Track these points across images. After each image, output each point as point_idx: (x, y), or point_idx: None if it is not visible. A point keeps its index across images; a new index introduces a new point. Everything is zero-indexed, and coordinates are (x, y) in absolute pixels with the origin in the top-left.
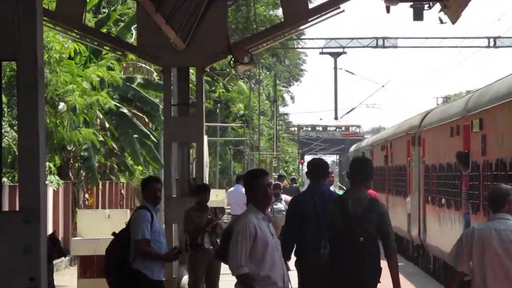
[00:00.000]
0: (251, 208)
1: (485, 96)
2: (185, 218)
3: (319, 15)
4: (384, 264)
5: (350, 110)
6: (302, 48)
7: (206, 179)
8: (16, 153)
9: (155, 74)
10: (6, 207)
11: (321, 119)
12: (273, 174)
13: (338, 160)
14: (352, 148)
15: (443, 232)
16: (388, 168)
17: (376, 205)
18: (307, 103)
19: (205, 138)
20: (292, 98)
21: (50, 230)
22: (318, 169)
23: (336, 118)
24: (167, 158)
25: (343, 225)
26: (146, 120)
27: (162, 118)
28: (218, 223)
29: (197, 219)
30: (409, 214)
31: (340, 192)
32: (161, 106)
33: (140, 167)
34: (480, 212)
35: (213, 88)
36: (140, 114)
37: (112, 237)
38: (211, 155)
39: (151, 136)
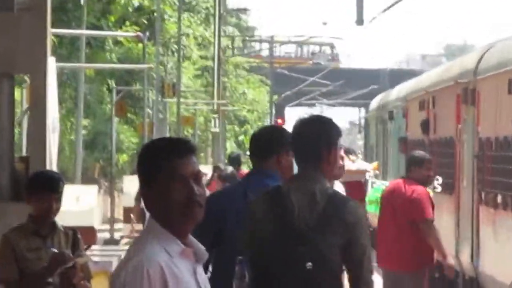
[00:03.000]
0: (153, 230)
1: None
2: (1, 252)
3: None
4: None
5: (393, 4)
6: None
7: (53, 163)
8: None
9: None
10: None
11: (325, 23)
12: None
13: (362, 121)
14: (373, 102)
15: (499, 250)
16: (429, 142)
17: (343, 206)
18: None
19: (52, 63)
20: None
21: None
22: (258, 144)
23: (360, 22)
24: None
25: (277, 241)
26: None
27: None
28: (78, 265)
29: (29, 256)
30: (458, 225)
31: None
32: None
33: None
34: None
35: None
36: None
37: None
38: (65, 103)
39: None
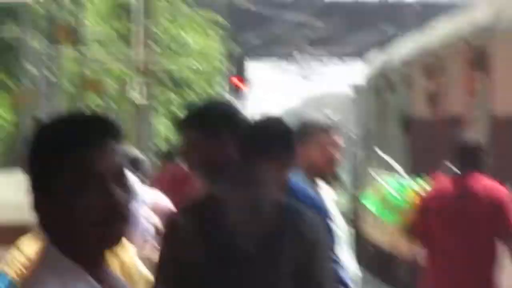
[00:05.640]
0: (51, 260)
1: None
2: None
3: None
4: None
5: None
6: None
7: None
8: None
9: None
10: None
11: None
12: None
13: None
14: (372, 64)
15: None
16: (438, 121)
17: (300, 219)
18: None
19: None
20: None
21: None
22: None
23: None
24: None
25: (209, 269)
26: None
27: None
28: None
29: None
30: None
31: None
32: None
33: None
34: None
35: None
36: None
37: None
38: None
39: None
